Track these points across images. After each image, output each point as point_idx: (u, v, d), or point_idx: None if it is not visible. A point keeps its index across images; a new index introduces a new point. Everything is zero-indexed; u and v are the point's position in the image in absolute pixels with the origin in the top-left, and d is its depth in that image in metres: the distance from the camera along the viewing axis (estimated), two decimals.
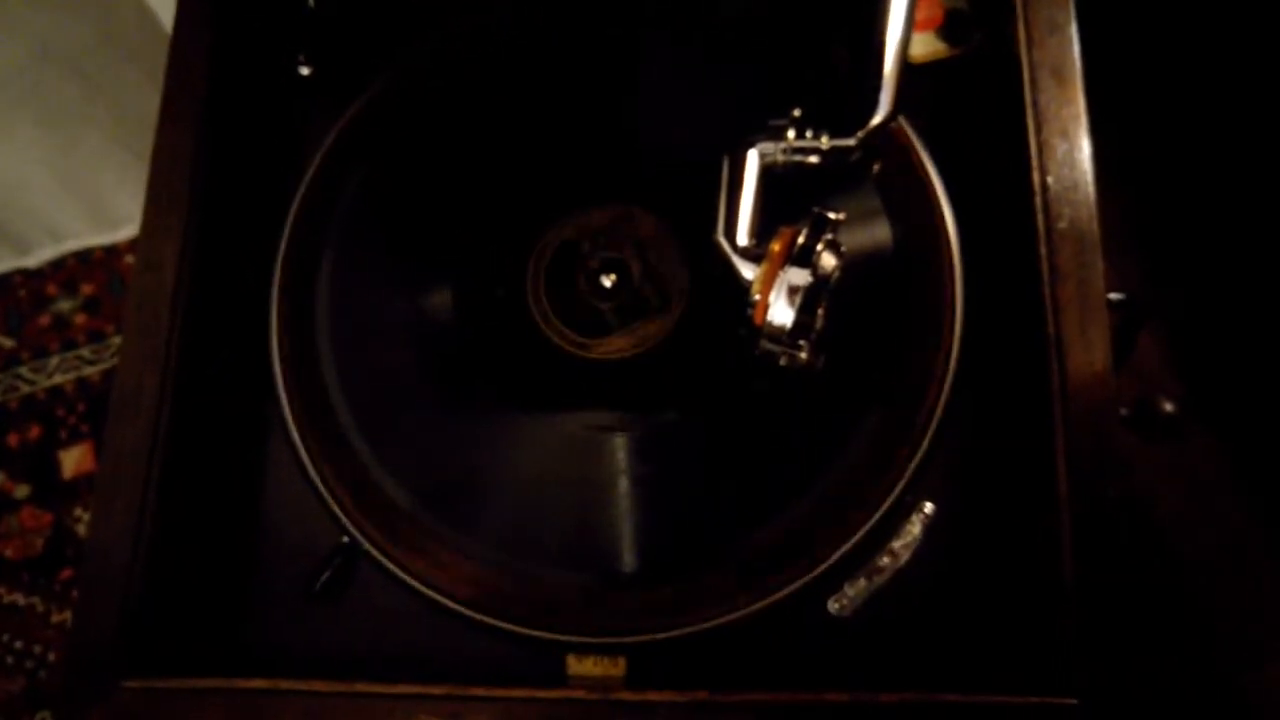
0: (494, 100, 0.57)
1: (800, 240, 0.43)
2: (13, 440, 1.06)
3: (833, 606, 0.46)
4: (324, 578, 0.48)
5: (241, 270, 0.53)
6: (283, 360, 0.51)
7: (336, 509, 0.49)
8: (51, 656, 0.98)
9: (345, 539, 0.48)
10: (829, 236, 0.43)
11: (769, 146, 0.46)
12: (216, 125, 0.51)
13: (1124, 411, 0.55)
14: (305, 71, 0.58)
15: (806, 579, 0.46)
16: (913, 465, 0.47)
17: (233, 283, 0.52)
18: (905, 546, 0.47)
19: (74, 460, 1.06)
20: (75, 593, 0.47)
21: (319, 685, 0.43)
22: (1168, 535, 0.70)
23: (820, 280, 0.43)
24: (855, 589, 0.46)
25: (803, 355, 0.44)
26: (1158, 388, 0.73)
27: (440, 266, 0.54)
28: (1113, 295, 0.52)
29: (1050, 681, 0.41)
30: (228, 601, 0.48)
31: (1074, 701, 0.40)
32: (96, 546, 0.45)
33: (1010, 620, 0.45)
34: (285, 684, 0.43)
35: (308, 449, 0.50)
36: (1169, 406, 0.56)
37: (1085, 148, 0.47)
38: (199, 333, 0.49)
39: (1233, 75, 0.74)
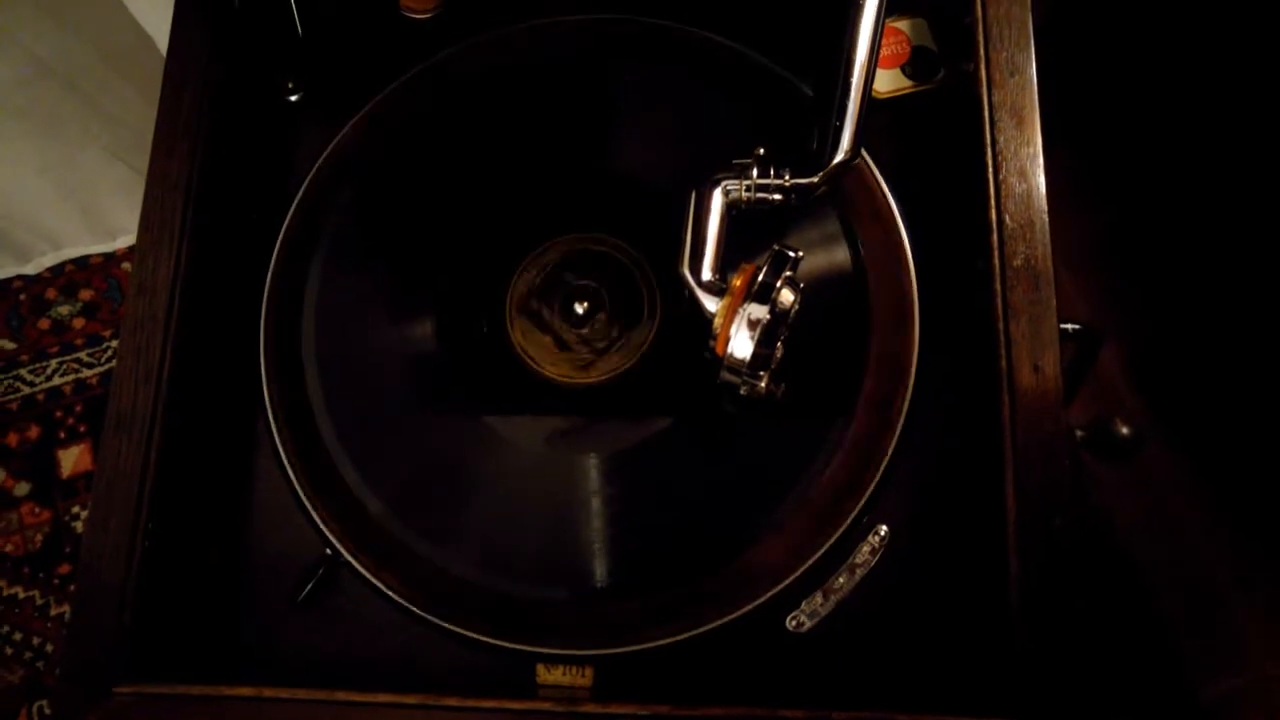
0: (475, 130, 0.59)
1: (760, 277, 0.45)
2: (13, 440, 1.09)
3: (790, 623, 0.49)
4: (308, 587, 0.50)
5: (231, 294, 0.55)
6: (270, 382, 0.53)
7: (320, 522, 0.51)
8: (50, 648, 1.01)
9: (328, 551, 0.50)
10: (789, 273, 0.45)
11: (734, 184, 0.48)
12: (207, 154, 0.53)
13: (1080, 433, 0.57)
14: (294, 97, 0.60)
15: (766, 597, 0.48)
16: (869, 490, 0.49)
17: (223, 306, 0.54)
18: (860, 568, 0.49)
19: (72, 459, 1.09)
20: (72, 598, 0.49)
21: (302, 693, 0.45)
22: (1126, 549, 0.72)
23: (779, 316, 0.45)
24: (812, 607, 0.49)
25: (761, 385, 0.46)
26: (1119, 403, 0.75)
27: (422, 292, 0.56)
28: (1068, 325, 0.55)
29: (994, 703, 0.44)
30: (217, 610, 0.50)
31: None
32: (91, 558, 0.48)
33: (959, 641, 0.47)
34: (269, 691, 0.45)
35: (293, 465, 0.52)
36: (1125, 430, 0.58)
37: (1041, 187, 0.49)
38: (190, 354, 0.51)
39: (1195, 96, 0.75)
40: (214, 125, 0.54)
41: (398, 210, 0.58)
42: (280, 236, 0.55)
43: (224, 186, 0.54)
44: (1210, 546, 0.70)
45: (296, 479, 0.51)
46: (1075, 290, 0.81)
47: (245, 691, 0.45)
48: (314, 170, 0.56)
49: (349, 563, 0.50)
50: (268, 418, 0.53)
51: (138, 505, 0.48)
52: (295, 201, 0.56)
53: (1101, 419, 0.58)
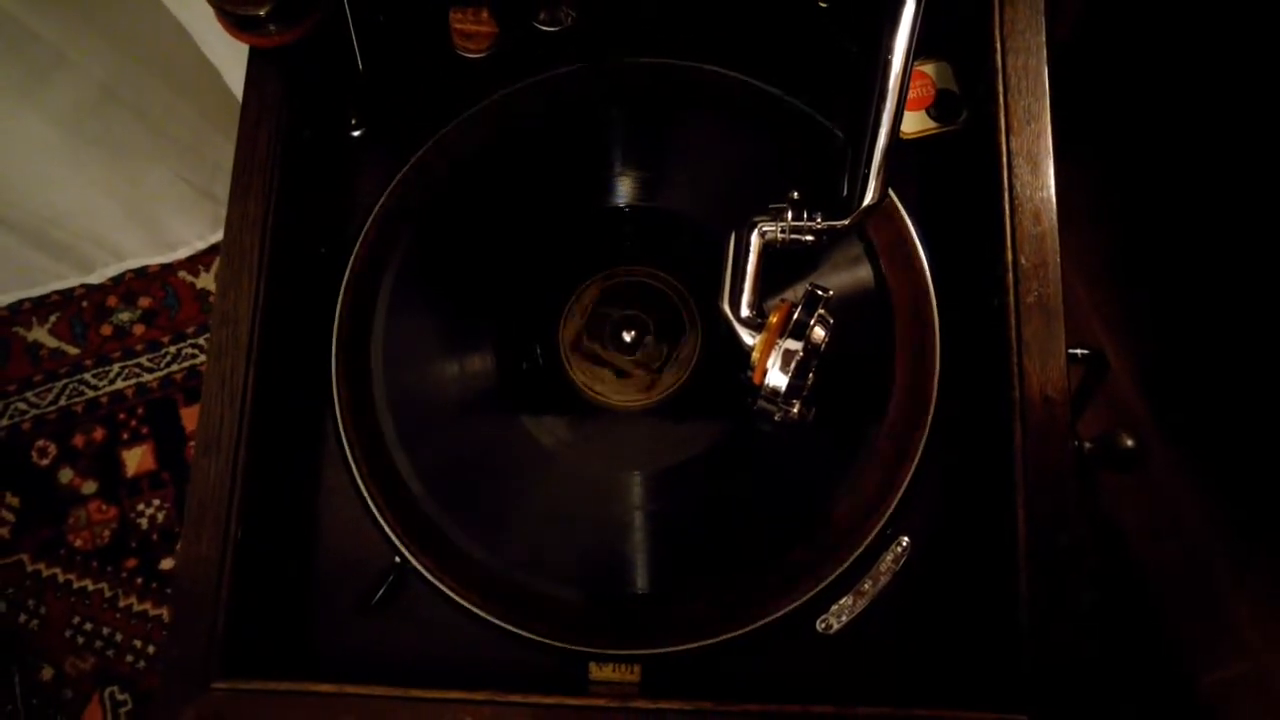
0: (526, 168, 0.63)
1: (795, 315, 0.49)
2: (79, 441, 1.15)
3: (820, 625, 0.53)
4: (380, 593, 0.54)
5: (306, 322, 0.59)
6: (342, 404, 0.57)
7: (390, 532, 0.55)
8: (119, 638, 1.07)
9: (398, 559, 0.55)
10: (821, 311, 0.50)
11: (769, 226, 0.52)
12: (281, 192, 0.57)
13: (1088, 445, 0.61)
14: (356, 133, 0.64)
15: (798, 602, 0.52)
16: (893, 505, 0.53)
17: (299, 333, 0.58)
18: (883, 575, 0.53)
19: (136, 459, 1.15)
20: (170, 604, 0.54)
21: (379, 690, 0.49)
22: (1129, 544, 0.76)
23: (811, 350, 0.49)
24: (839, 611, 0.53)
25: (794, 411, 0.51)
26: (1127, 410, 0.79)
27: (480, 322, 0.61)
28: (1077, 350, 0.59)
29: (1006, 699, 0.48)
30: (298, 614, 0.55)
31: (1024, 718, 0.47)
32: (187, 568, 0.52)
33: (973, 642, 0.52)
34: (350, 688, 0.50)
35: (364, 480, 0.56)
36: (1129, 442, 0.62)
37: (1054, 229, 0.52)
38: (270, 379, 0.55)
39: (1211, 112, 0.78)
40: (286, 165, 0.58)
41: (455, 244, 0.62)
42: (348, 268, 0.60)
43: (296, 221, 0.59)
44: (1210, 540, 0.74)
45: (368, 492, 0.56)
46: (1088, 302, 0.85)
47: (328, 688, 0.50)
48: (378, 205, 0.60)
49: (417, 570, 0.55)
50: (340, 436, 0.57)
51: (227, 520, 0.52)
52: (361, 234, 0.60)
53: (1107, 433, 0.62)
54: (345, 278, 0.60)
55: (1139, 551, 0.77)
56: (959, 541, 0.53)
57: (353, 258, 0.60)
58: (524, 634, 0.53)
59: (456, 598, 0.54)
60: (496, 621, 0.53)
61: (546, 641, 0.53)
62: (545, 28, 0.64)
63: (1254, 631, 0.73)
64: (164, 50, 0.87)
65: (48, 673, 1.07)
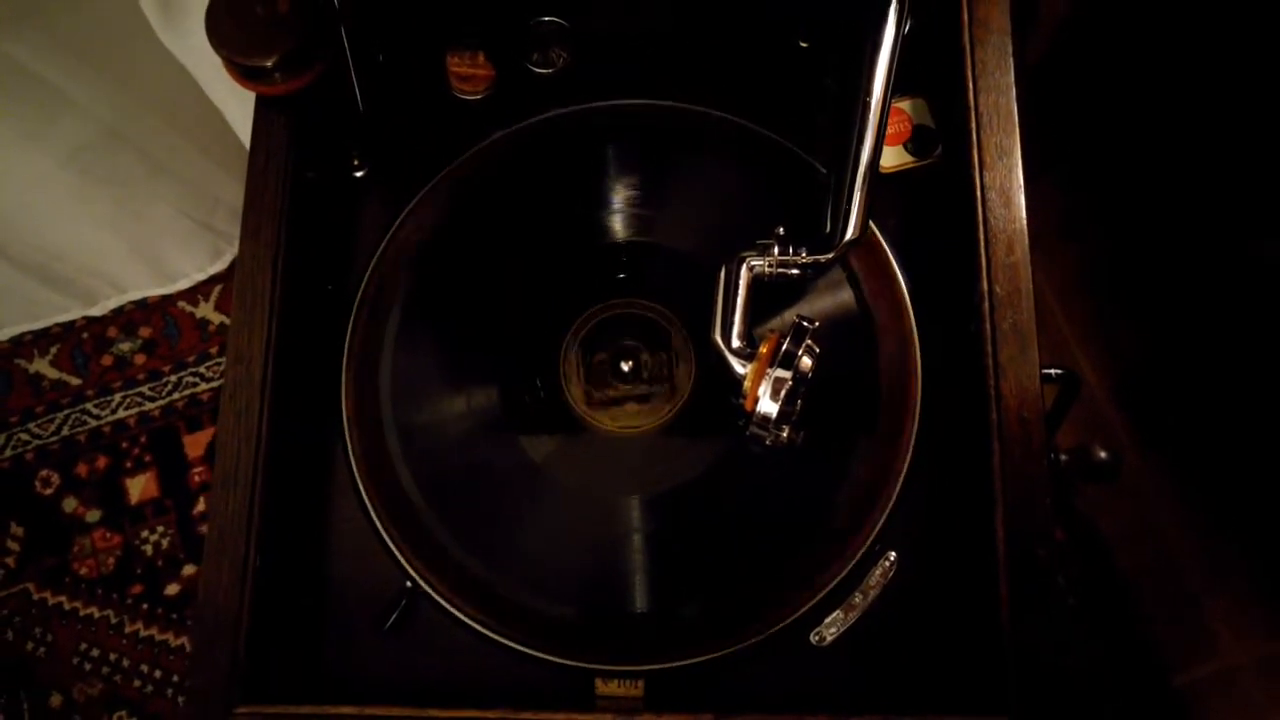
0: (522, 207, 0.66)
1: (784, 346, 0.52)
2: (82, 470, 1.16)
3: (814, 638, 0.56)
4: (393, 617, 0.56)
5: (316, 357, 0.61)
6: (352, 436, 0.60)
7: (400, 558, 0.57)
8: (125, 663, 1.09)
9: (409, 583, 0.57)
10: (808, 342, 0.53)
11: (757, 261, 0.55)
12: (289, 233, 0.59)
13: (1065, 458, 0.64)
14: (359, 173, 0.66)
15: (793, 617, 0.55)
16: (880, 523, 0.56)
17: (310, 369, 0.61)
18: (872, 589, 0.56)
19: (139, 487, 1.16)
20: (191, 632, 0.55)
21: (397, 711, 0.52)
22: (1108, 550, 0.80)
23: (799, 379, 0.52)
24: (831, 624, 0.56)
25: (784, 436, 0.54)
26: (1102, 420, 0.82)
27: (483, 356, 0.63)
28: (1050, 370, 0.62)
29: (990, 703, 0.51)
30: (315, 639, 0.57)
31: None
32: (208, 598, 0.54)
33: (958, 650, 0.55)
34: (370, 710, 0.52)
35: (375, 509, 0.58)
36: (1103, 454, 0.65)
37: (1026, 260, 0.55)
38: (283, 413, 0.58)
39: (1179, 132, 0.82)
40: (293, 206, 0.60)
41: (458, 280, 0.64)
42: (355, 305, 0.62)
43: (304, 261, 0.61)
44: (1184, 547, 0.77)
45: (379, 520, 0.58)
46: (1063, 316, 0.89)
47: (349, 710, 0.52)
48: (382, 244, 0.63)
49: (427, 594, 0.57)
50: (351, 466, 0.59)
51: (245, 550, 0.54)
52: (368, 272, 0.62)
53: (1082, 446, 0.65)
54: (353, 315, 0.62)
55: (1116, 557, 0.80)
56: (943, 555, 0.56)
57: (360, 294, 0.62)
58: (532, 652, 0.56)
59: (467, 619, 0.56)
60: (505, 641, 0.56)
61: (554, 659, 0.55)
62: (539, 70, 0.67)
63: (1226, 631, 0.76)
64: (166, 91, 0.89)
65: (57, 700, 1.08)
